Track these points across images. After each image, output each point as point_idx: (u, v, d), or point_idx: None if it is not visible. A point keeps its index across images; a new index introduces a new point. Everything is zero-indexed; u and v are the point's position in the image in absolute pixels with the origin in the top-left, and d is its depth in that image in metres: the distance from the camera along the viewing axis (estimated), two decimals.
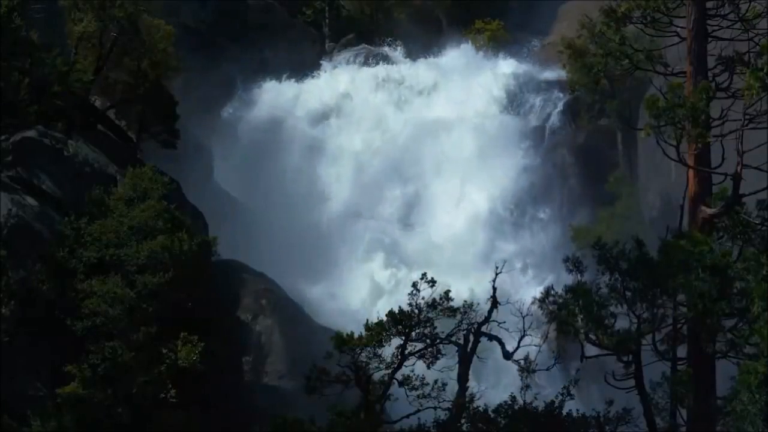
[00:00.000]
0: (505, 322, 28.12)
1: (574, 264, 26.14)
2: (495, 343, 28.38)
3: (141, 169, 38.47)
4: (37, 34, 39.62)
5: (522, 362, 27.50)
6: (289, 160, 59.59)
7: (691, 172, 27.02)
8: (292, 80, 64.14)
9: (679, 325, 26.04)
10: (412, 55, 67.23)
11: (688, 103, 25.34)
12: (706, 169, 26.86)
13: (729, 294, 24.76)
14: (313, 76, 65.08)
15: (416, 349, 27.99)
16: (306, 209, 56.31)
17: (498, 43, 67.79)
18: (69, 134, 40.86)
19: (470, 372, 28.15)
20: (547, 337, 27.02)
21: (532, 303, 26.74)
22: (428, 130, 60.35)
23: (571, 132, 59.57)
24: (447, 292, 27.85)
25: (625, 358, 25.49)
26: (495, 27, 68.97)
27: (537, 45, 70.14)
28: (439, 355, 28.12)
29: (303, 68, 65.26)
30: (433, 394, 27.52)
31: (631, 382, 25.65)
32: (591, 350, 25.91)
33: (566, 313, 25.37)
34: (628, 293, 25.35)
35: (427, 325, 27.84)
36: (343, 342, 27.36)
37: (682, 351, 26.34)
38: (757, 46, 25.96)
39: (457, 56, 66.54)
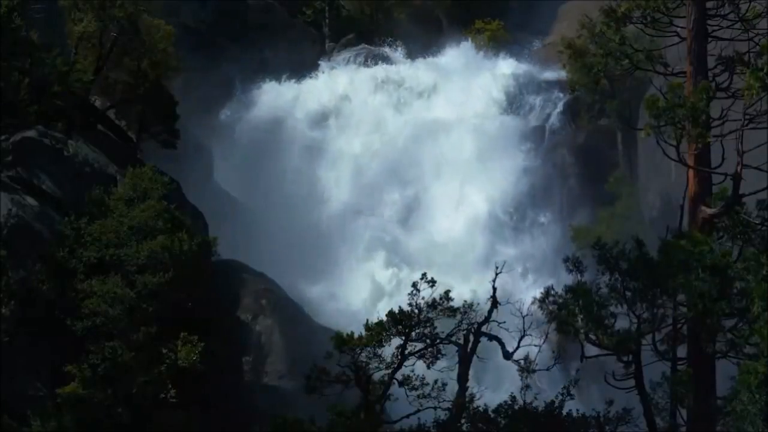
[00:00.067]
0: (505, 323, 28.10)
1: (574, 264, 26.14)
2: (495, 343, 28.38)
3: (141, 169, 38.47)
4: (37, 34, 39.63)
5: (522, 362, 27.46)
6: (289, 160, 59.41)
7: (691, 172, 27.00)
8: (292, 81, 63.90)
9: (679, 325, 26.02)
10: (412, 55, 67.05)
11: (688, 103, 25.32)
12: (706, 169, 26.84)
13: (729, 294, 24.74)
14: (311, 77, 64.81)
15: (416, 349, 27.96)
16: (306, 209, 56.11)
17: (498, 43, 67.74)
18: (69, 134, 40.85)
19: (470, 372, 28.14)
20: (547, 337, 27.02)
21: (532, 303, 26.71)
22: (427, 132, 60.03)
23: (571, 132, 59.43)
24: (447, 292, 27.83)
25: (625, 358, 25.47)
26: (495, 27, 68.95)
27: (537, 45, 70.09)
28: (439, 355, 28.11)
29: (303, 68, 65.03)
30: (433, 394, 27.50)
31: (631, 382, 25.63)
32: (591, 350, 25.89)
33: (566, 313, 25.35)
34: (628, 293, 25.33)
35: (427, 325, 27.82)
36: (343, 342, 27.34)
37: (682, 351, 26.31)
38: (757, 46, 25.94)
39: (456, 56, 66.41)
